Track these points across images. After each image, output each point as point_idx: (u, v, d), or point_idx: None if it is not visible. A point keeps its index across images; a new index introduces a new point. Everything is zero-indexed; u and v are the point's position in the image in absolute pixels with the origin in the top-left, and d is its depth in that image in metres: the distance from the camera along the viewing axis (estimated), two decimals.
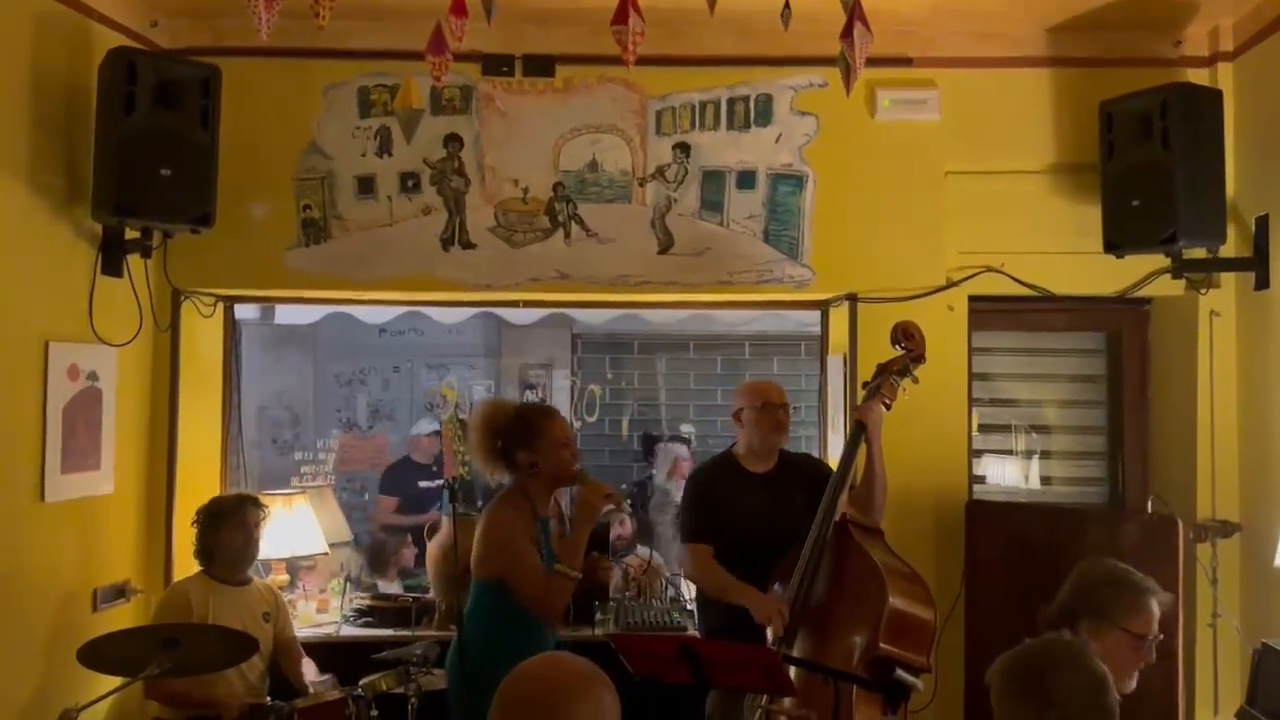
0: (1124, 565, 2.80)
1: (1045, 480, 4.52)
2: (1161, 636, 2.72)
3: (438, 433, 6.62)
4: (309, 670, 3.77)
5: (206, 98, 3.61)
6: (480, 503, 6.57)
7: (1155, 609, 2.68)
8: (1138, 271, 4.10)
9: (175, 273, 4.05)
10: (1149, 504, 4.11)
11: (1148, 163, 3.74)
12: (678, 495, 5.21)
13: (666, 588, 4.57)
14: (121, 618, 3.82)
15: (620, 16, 2.46)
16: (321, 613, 4.42)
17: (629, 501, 3.96)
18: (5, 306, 3.28)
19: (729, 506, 3.50)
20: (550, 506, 3.39)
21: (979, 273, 4.13)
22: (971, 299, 4.16)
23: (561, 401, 7.79)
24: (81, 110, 3.59)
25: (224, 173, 3.69)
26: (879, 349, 3.60)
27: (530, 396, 7.77)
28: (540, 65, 4.13)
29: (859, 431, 3.35)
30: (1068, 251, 4.10)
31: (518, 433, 3.32)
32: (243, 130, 3.89)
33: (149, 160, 3.47)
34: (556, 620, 3.28)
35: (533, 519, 3.29)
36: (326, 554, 4.69)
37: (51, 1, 3.51)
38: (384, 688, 3.41)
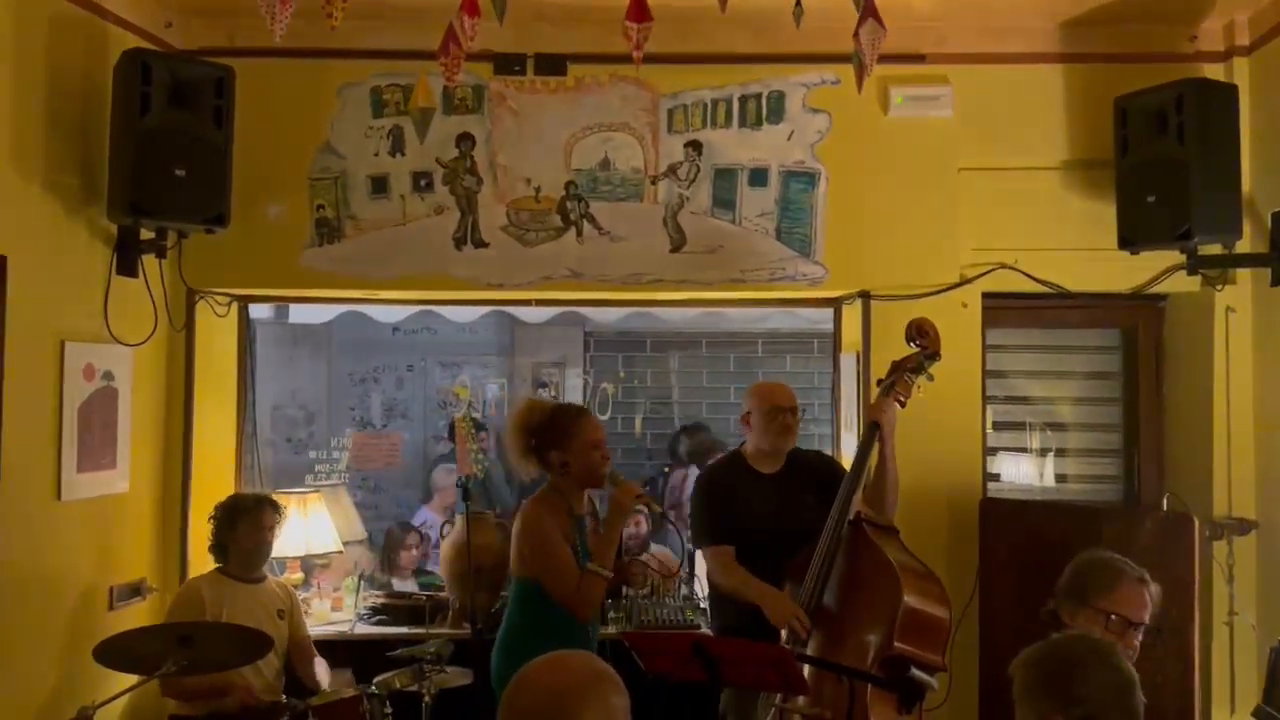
0: (1111, 553, 2.82)
1: (1060, 478, 4.50)
2: (1158, 630, 2.74)
3: None
4: (320, 669, 3.78)
5: (221, 98, 3.62)
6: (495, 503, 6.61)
7: (1137, 593, 2.70)
8: (1153, 268, 4.08)
9: (190, 272, 4.07)
10: (1164, 501, 4.08)
11: (1163, 158, 3.71)
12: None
13: (679, 586, 4.57)
14: (138, 616, 3.84)
15: (640, 15, 2.46)
16: (336, 611, 4.43)
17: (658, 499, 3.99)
18: (22, 306, 3.29)
19: (739, 507, 3.49)
20: (585, 504, 3.42)
21: (993, 269, 4.11)
22: (985, 296, 4.14)
23: (574, 399, 7.78)
24: (97, 111, 3.60)
25: (238, 173, 3.70)
26: (892, 346, 3.59)
27: (543, 395, 7.77)
28: (552, 64, 4.13)
29: (873, 431, 3.34)
30: (1082, 248, 4.08)
31: (550, 432, 3.37)
32: (257, 130, 3.90)
33: (164, 160, 3.48)
34: (590, 618, 3.29)
35: (567, 516, 3.34)
36: (341, 552, 4.71)
37: (66, 3, 3.52)
38: (398, 685, 3.42)
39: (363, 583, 4.63)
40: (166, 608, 3.83)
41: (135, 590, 3.89)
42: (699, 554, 3.79)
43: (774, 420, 3.52)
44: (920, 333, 3.44)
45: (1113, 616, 2.65)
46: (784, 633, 3.14)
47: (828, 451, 4.48)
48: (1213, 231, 3.73)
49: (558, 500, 3.36)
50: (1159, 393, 4.37)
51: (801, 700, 2.95)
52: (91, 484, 3.62)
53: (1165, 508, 4.00)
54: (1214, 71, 4.01)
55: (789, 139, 4.14)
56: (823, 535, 3.18)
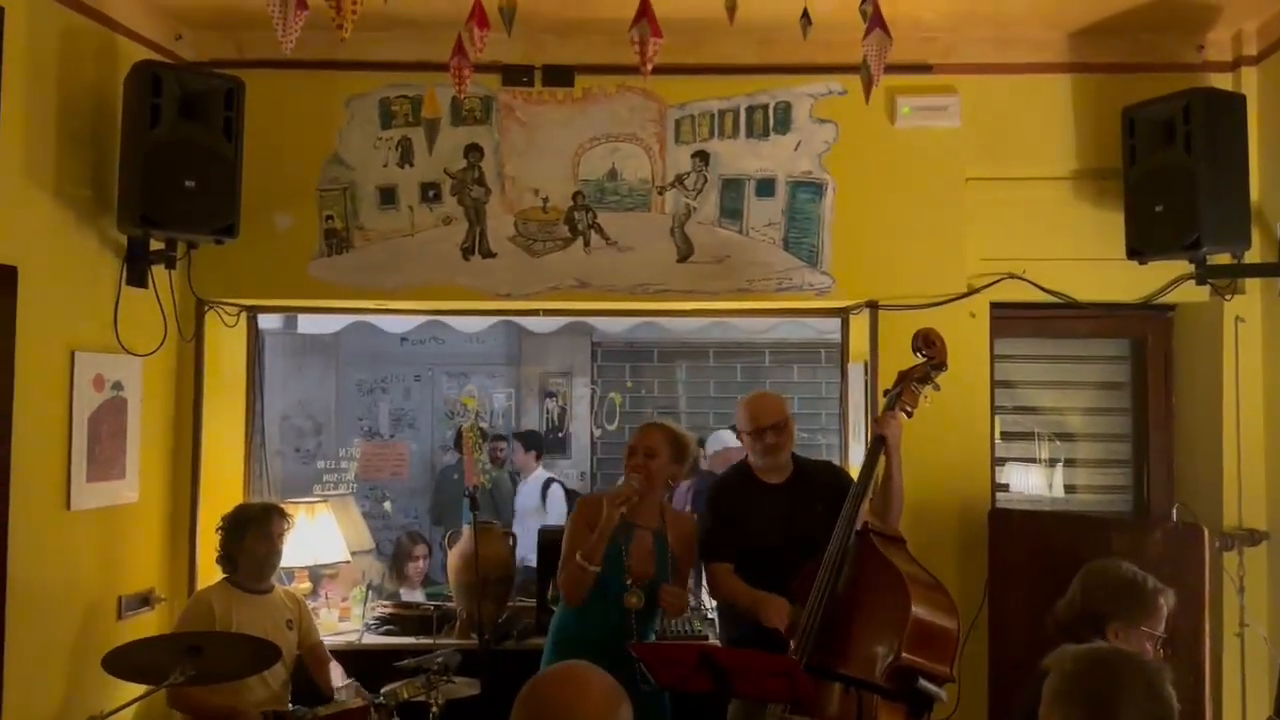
0: (1131, 566, 2.88)
1: (1069, 488, 4.49)
2: (1169, 641, 2.85)
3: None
4: (336, 674, 3.79)
5: (230, 110, 3.64)
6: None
7: (1165, 608, 2.82)
8: (1161, 278, 4.07)
9: (199, 283, 4.09)
10: (1174, 512, 4.06)
11: (1171, 168, 3.71)
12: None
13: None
14: (146, 626, 3.86)
15: (652, 30, 2.47)
16: (344, 621, 4.44)
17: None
18: (32, 317, 3.31)
19: (746, 518, 3.49)
20: (646, 514, 3.54)
21: (1001, 279, 4.11)
22: (993, 306, 4.13)
23: (581, 409, 7.82)
24: (107, 123, 3.63)
25: (247, 184, 3.72)
26: (900, 356, 3.58)
27: (550, 405, 7.80)
28: (560, 75, 4.14)
29: (879, 444, 3.33)
30: (1091, 258, 4.07)
31: None
32: (266, 142, 3.92)
33: (174, 172, 3.51)
34: (571, 603, 3.49)
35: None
36: (349, 562, 4.72)
37: (78, 16, 3.55)
38: (405, 696, 3.42)
39: (370, 593, 4.63)
40: (175, 618, 3.84)
41: (144, 600, 3.90)
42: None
43: (758, 440, 3.54)
44: (926, 343, 3.44)
45: (1161, 637, 2.76)
46: (791, 643, 3.14)
47: (836, 461, 4.48)
48: (1221, 241, 3.73)
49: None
50: (1168, 403, 4.36)
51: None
52: (101, 494, 3.63)
53: (1175, 518, 3.99)
54: (1222, 81, 4.01)
55: (796, 149, 4.15)
56: (829, 545, 3.18)
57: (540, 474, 6.84)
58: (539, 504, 6.62)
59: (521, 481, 6.96)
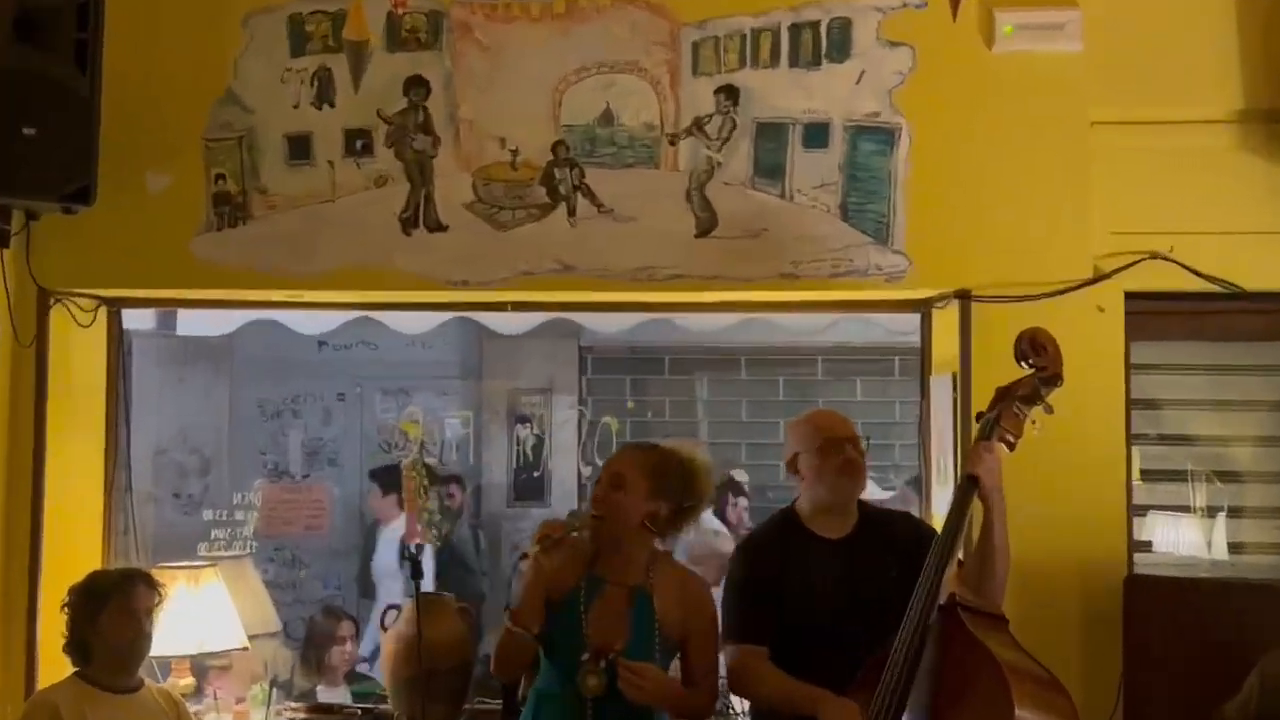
0: None
1: (1234, 546, 4.50)
2: None
3: None
4: None
5: (84, 31, 3.66)
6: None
7: None
8: None
9: (42, 267, 4.11)
10: None
11: None
12: None
13: None
14: None
15: None
16: None
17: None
18: None
19: (793, 586, 3.49)
20: (620, 565, 3.49)
21: (1139, 260, 4.12)
22: (1129, 297, 4.14)
23: (566, 438, 7.83)
24: None
25: (108, 132, 3.75)
26: (1001, 365, 3.59)
27: (522, 433, 7.81)
28: None
29: (971, 486, 3.33)
30: (1261, 230, 4.09)
31: None
32: (134, 75, 3.96)
33: (7, 116, 3.53)
34: (496, 674, 3.70)
35: (580, 568, 3.48)
36: (246, 649, 4.72)
37: None
38: None
39: (276, 691, 4.64)
40: None
41: None
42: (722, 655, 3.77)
43: (832, 456, 3.52)
44: (1035, 348, 3.43)
45: None
46: None
47: (913, 510, 4.48)
48: None
49: (586, 549, 3.51)
50: None
51: None
52: None
53: None
54: None
55: (858, 82, 4.16)
56: (904, 623, 3.18)
57: (402, 523, 6.86)
58: (398, 563, 6.65)
59: (378, 533, 7.01)
